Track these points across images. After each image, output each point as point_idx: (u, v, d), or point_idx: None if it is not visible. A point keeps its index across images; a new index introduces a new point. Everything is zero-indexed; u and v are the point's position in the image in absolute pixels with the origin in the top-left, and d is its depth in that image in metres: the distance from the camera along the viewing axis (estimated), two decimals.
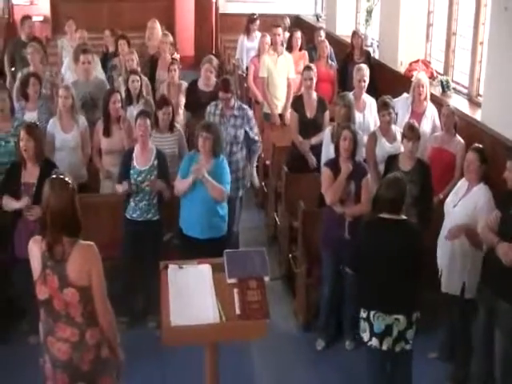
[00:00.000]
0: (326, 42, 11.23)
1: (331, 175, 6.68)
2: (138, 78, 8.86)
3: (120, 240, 7.06)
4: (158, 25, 11.84)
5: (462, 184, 6.31)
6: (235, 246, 7.65)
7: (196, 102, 9.00)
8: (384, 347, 5.50)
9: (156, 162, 6.98)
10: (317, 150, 8.36)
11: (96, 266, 4.43)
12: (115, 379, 4.62)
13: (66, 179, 4.51)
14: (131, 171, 6.93)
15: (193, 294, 5.11)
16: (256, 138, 8.14)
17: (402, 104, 8.27)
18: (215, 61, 9.37)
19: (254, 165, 8.54)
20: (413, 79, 8.83)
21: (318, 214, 6.99)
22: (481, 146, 6.37)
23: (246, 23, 13.08)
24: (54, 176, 4.58)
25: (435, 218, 6.45)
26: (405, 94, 8.65)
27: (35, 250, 4.44)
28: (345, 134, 6.69)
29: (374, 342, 5.50)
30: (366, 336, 5.56)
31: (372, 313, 5.48)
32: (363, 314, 5.56)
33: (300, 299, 7.27)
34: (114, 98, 7.82)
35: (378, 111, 7.85)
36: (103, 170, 7.86)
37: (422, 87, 8.25)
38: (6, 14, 17.02)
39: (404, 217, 5.54)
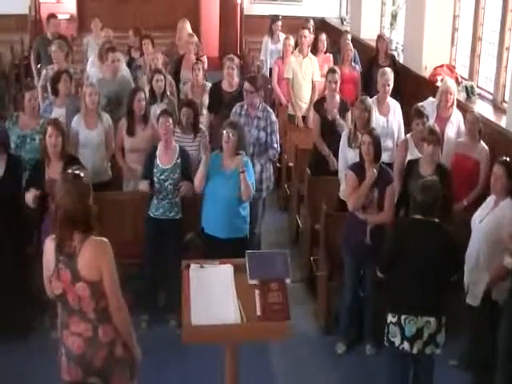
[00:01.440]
0: (351, 45, 11.19)
1: (355, 180, 6.62)
2: (162, 77, 8.87)
3: (143, 238, 7.08)
4: (187, 25, 11.84)
5: (490, 199, 6.23)
6: (257, 247, 7.65)
7: (219, 102, 8.96)
8: (414, 350, 5.51)
9: (179, 161, 7.01)
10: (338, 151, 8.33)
11: (107, 262, 4.43)
12: (129, 379, 4.61)
13: (79, 174, 4.51)
14: (154, 170, 6.96)
15: (214, 293, 5.10)
16: (275, 145, 7.95)
17: (427, 108, 8.19)
18: (236, 59, 9.34)
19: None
20: (440, 84, 8.77)
21: (340, 217, 6.98)
22: (508, 158, 6.19)
23: (269, 24, 13.10)
24: (67, 171, 4.60)
25: (461, 232, 6.29)
26: (430, 98, 8.58)
27: (50, 246, 4.48)
28: (364, 139, 6.67)
29: (406, 345, 5.51)
30: (397, 340, 5.55)
31: (403, 317, 5.49)
32: (392, 319, 5.56)
33: (321, 302, 7.25)
34: (138, 97, 7.81)
35: (412, 119, 7.68)
36: (126, 168, 7.87)
37: (450, 94, 8.13)
38: (33, 12, 17.17)
39: (437, 220, 5.55)
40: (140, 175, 7.36)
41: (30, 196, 6.57)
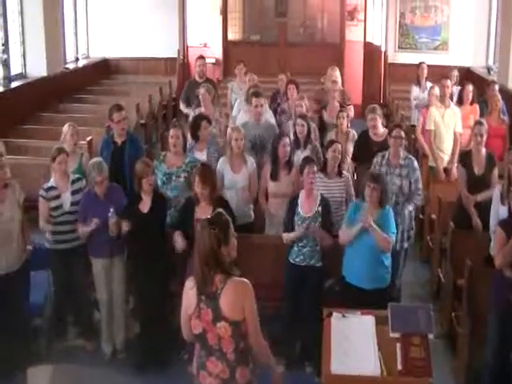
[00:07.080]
0: (499, 96, 10.92)
1: (504, 237, 6.36)
2: (305, 122, 8.90)
3: (281, 282, 7.11)
4: (336, 72, 11.89)
5: None
6: (396, 299, 7.51)
7: (368, 151, 8.87)
8: None
9: (320, 209, 7.00)
10: (481, 207, 8.11)
11: (249, 302, 4.49)
12: None
13: (216, 221, 4.56)
14: (295, 217, 6.98)
15: (355, 343, 5.07)
16: (419, 192, 7.87)
17: None
18: (379, 109, 9.28)
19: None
20: None
21: (484, 273, 6.75)
22: None
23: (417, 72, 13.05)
24: (208, 216, 4.69)
25: None
26: None
27: (190, 286, 4.57)
28: (511, 194, 6.48)
29: None
30: None
31: None
32: None
33: (461, 360, 7.00)
34: (283, 142, 7.89)
35: None
36: (268, 212, 7.95)
37: None
38: (182, 55, 17.83)
39: None
40: (281, 221, 7.42)
41: (178, 241, 6.86)
